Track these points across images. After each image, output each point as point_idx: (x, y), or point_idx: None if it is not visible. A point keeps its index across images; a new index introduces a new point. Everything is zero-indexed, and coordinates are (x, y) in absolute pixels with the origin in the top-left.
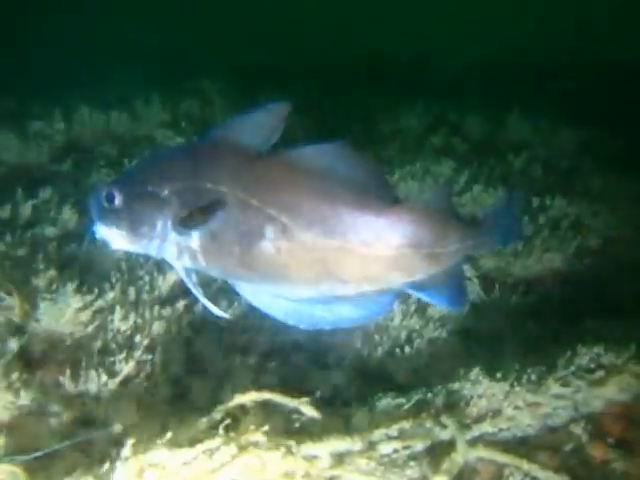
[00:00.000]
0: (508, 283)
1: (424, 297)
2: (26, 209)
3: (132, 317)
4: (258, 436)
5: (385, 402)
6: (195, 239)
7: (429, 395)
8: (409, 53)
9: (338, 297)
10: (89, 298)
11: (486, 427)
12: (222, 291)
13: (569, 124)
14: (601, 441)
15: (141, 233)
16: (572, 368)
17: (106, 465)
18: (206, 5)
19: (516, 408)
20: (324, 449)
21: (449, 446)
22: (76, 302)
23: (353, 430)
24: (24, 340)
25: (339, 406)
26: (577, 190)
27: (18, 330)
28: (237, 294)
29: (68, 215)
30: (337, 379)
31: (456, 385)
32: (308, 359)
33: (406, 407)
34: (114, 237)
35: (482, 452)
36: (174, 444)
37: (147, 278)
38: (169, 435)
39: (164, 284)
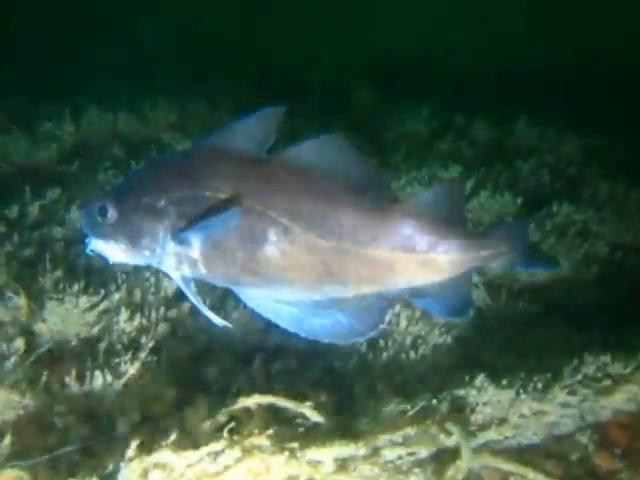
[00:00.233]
0: (514, 289)
1: (420, 305)
2: (34, 209)
3: (137, 318)
4: (262, 440)
5: (390, 408)
6: (196, 248)
7: (434, 401)
8: (415, 57)
9: (338, 301)
10: (95, 299)
11: (491, 435)
12: (227, 296)
13: (576, 131)
14: (607, 451)
15: (141, 245)
16: (579, 377)
17: (110, 466)
18: (215, 7)
19: (522, 416)
20: (328, 454)
21: (454, 453)
22: (82, 303)
23: (357, 435)
24: (30, 340)
25: (343, 411)
26: (584, 197)
27: (25, 330)
28: (239, 300)
29: (75, 216)
30: (342, 384)
31: (461, 392)
32: (312, 363)
33: (411, 413)
34: (112, 251)
35: (487, 460)
36: (178, 446)
37: (153, 279)
38: (173, 437)
39: (170, 286)
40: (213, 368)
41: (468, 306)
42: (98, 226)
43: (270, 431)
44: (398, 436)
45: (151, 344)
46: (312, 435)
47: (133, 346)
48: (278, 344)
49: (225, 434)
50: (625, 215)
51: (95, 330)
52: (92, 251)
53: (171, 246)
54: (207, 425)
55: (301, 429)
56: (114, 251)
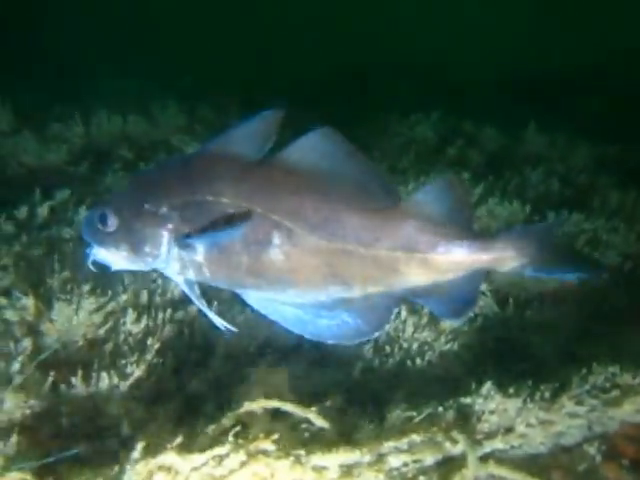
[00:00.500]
0: (522, 298)
1: (423, 304)
2: (43, 210)
3: (144, 320)
4: (267, 444)
5: (395, 414)
6: (200, 252)
7: (440, 409)
8: (425, 64)
9: (343, 301)
10: (102, 300)
11: (497, 443)
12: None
13: (587, 139)
14: (615, 462)
15: (144, 252)
16: (587, 387)
17: (115, 467)
18: (222, 16)
19: (528, 425)
20: (333, 460)
21: (460, 461)
22: (90, 304)
23: (363, 442)
24: (38, 340)
25: (349, 417)
26: (594, 206)
27: (32, 330)
28: (244, 302)
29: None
30: (347, 390)
31: (467, 400)
32: (317, 368)
33: (416, 420)
34: (115, 259)
35: (493, 469)
36: (184, 449)
37: (160, 281)
38: (179, 440)
39: (176, 288)
40: (219, 371)
41: (467, 308)
42: (99, 234)
43: (275, 436)
44: (403, 443)
45: (157, 346)
46: (317, 440)
47: (139, 348)
48: (283, 349)
49: (230, 438)
50: (636, 224)
51: (102, 331)
52: (93, 262)
53: (175, 251)
54: (212, 428)
55: (306, 434)
56: (116, 259)
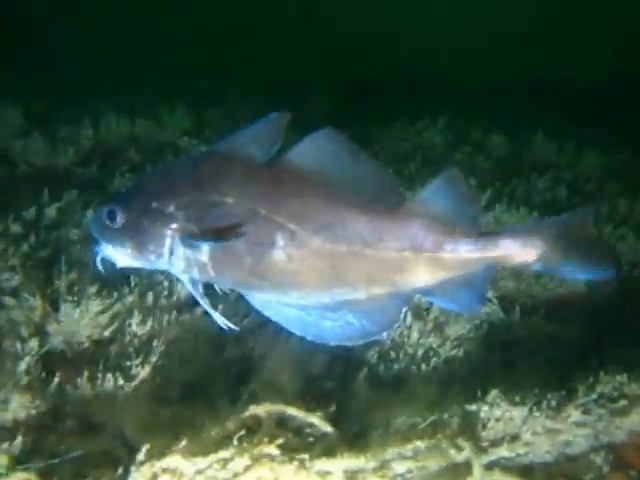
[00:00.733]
0: (529, 305)
1: (431, 301)
2: (51, 211)
3: (150, 322)
4: (272, 449)
5: (400, 421)
6: (205, 252)
7: (445, 416)
8: (432, 68)
9: (348, 302)
10: (108, 301)
11: (503, 451)
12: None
13: (596, 146)
14: (622, 472)
15: (148, 250)
16: (594, 396)
17: (120, 470)
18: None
19: (534, 434)
20: (338, 465)
21: (464, 469)
22: (96, 305)
23: (367, 447)
24: (44, 341)
25: (354, 422)
26: (602, 213)
27: (39, 330)
28: (248, 303)
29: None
30: (352, 395)
31: (473, 407)
32: (322, 373)
33: (421, 427)
34: (119, 256)
35: (499, 477)
36: (188, 452)
37: (166, 283)
38: (184, 442)
39: (183, 290)
40: (224, 374)
41: (479, 301)
42: (106, 230)
43: (280, 440)
44: (408, 449)
45: (162, 348)
46: (321, 445)
47: (144, 350)
48: (290, 349)
49: (235, 441)
50: None
51: (108, 333)
52: (102, 259)
53: (180, 250)
54: (217, 432)
55: (310, 439)
56: (121, 256)
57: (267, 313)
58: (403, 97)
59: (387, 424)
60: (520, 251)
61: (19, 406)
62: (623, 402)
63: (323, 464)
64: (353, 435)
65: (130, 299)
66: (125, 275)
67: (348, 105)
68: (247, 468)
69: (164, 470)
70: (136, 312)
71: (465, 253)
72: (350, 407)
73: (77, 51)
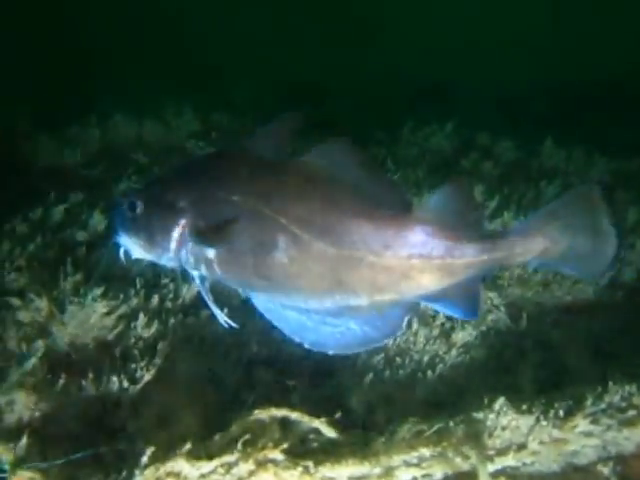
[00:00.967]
0: (537, 312)
1: (436, 307)
2: (57, 212)
3: (155, 325)
4: (276, 454)
5: (405, 427)
6: (212, 249)
7: (451, 423)
8: (441, 75)
9: (350, 309)
10: (114, 303)
11: (509, 460)
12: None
13: (606, 153)
14: None
15: (156, 242)
16: (602, 405)
17: (124, 472)
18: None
19: (541, 443)
20: (342, 472)
21: (470, 477)
22: (102, 307)
23: (372, 454)
24: (50, 342)
25: (358, 428)
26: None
27: (44, 332)
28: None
29: (98, 220)
30: (357, 400)
31: (479, 414)
32: (328, 379)
33: (427, 434)
34: (133, 246)
35: None
36: (192, 455)
37: (172, 286)
38: (188, 446)
39: (188, 293)
40: (228, 378)
41: (476, 304)
42: (125, 221)
43: (285, 445)
44: (413, 457)
45: (167, 351)
46: (326, 451)
47: (149, 352)
48: (294, 355)
49: (239, 446)
50: None
51: (113, 335)
52: (118, 246)
53: (190, 245)
54: (221, 436)
55: (315, 444)
56: (134, 246)
57: (268, 316)
58: (411, 102)
59: (392, 431)
60: (522, 250)
61: (24, 407)
62: (632, 412)
63: (327, 470)
64: (358, 441)
65: (135, 301)
66: (131, 277)
67: (357, 109)
68: (251, 473)
69: (168, 474)
70: (142, 315)
71: (472, 257)
72: (355, 413)
73: (85, 50)
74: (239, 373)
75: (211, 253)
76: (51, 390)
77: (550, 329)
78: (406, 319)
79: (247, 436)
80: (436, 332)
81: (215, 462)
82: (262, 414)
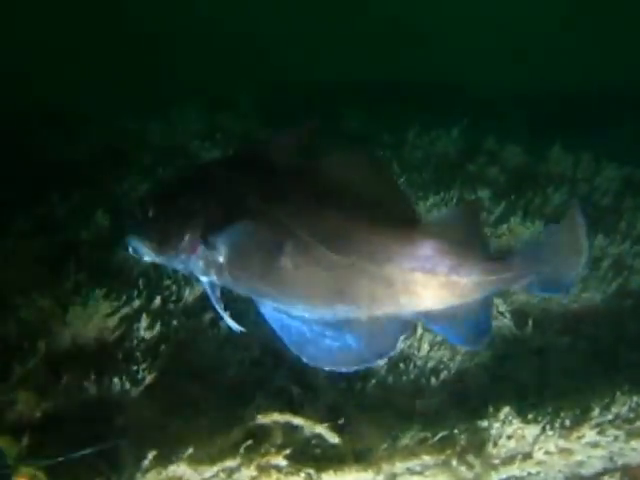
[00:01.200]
0: (542, 319)
1: (436, 330)
2: (61, 211)
3: (157, 326)
4: (279, 459)
5: (409, 435)
6: (222, 253)
7: (455, 431)
8: (447, 78)
9: (349, 322)
10: (116, 304)
11: (514, 470)
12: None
13: (615, 159)
14: None
15: (168, 245)
16: (609, 416)
17: (126, 475)
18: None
19: (547, 453)
20: (345, 479)
21: None
22: (105, 308)
23: (375, 461)
24: (52, 342)
25: (362, 435)
26: (619, 229)
27: (47, 331)
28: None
29: (101, 220)
30: (361, 407)
31: (484, 423)
32: (331, 383)
33: (431, 442)
34: (144, 249)
35: None
36: (194, 460)
37: (174, 288)
38: (190, 450)
39: (190, 295)
40: (231, 382)
41: (485, 333)
42: (137, 223)
43: (287, 451)
44: (416, 464)
45: (170, 352)
46: (329, 457)
47: (152, 354)
48: (297, 363)
49: (241, 451)
50: None
51: (115, 336)
52: (129, 248)
53: (201, 249)
54: (224, 440)
55: (318, 450)
56: (145, 249)
57: (272, 325)
58: (417, 106)
59: (395, 438)
60: (524, 275)
61: (25, 406)
62: (639, 423)
63: (330, 477)
64: (361, 448)
65: (138, 302)
66: (134, 278)
67: (363, 110)
68: (253, 478)
69: (170, 478)
70: (144, 316)
71: (478, 277)
72: (358, 419)
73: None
74: (242, 377)
75: (222, 258)
76: (52, 390)
77: (556, 337)
78: (401, 339)
79: (249, 441)
80: (440, 338)
81: (217, 467)
82: (265, 419)
